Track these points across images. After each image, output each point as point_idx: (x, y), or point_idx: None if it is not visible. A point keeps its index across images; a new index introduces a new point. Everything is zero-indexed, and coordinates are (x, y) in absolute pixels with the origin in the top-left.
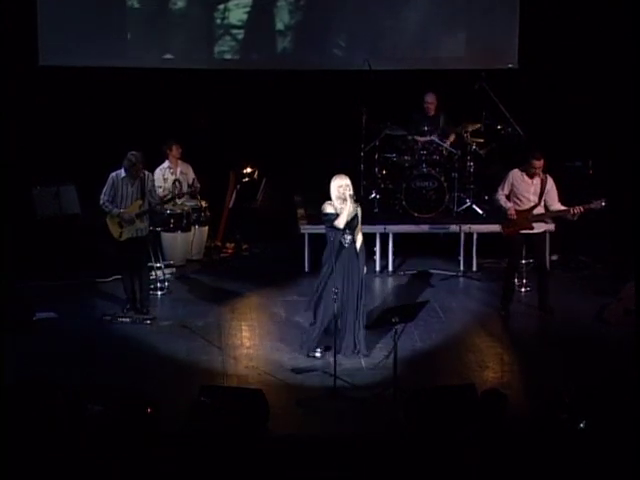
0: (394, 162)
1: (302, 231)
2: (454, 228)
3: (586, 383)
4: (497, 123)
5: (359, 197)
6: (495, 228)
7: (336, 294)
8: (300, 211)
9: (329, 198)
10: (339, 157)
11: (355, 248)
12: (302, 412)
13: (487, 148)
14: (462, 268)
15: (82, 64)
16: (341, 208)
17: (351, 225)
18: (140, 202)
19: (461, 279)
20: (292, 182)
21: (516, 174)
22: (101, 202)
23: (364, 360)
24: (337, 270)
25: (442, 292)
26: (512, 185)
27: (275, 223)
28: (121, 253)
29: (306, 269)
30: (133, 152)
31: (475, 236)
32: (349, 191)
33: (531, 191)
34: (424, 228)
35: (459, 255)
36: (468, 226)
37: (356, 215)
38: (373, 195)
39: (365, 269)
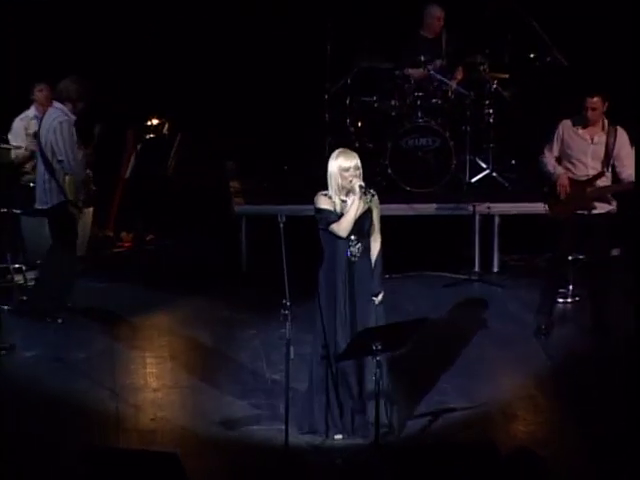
0: (375, 109)
1: (237, 212)
2: (465, 209)
3: None
4: (529, 50)
5: (371, 185)
6: (527, 207)
7: (325, 353)
8: (234, 184)
9: (322, 184)
10: (292, 103)
11: (368, 264)
12: None
13: (514, 88)
14: (477, 268)
15: None
16: (344, 204)
17: (361, 229)
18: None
19: (476, 285)
20: (222, 141)
21: (566, 126)
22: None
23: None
24: (339, 300)
25: (447, 304)
26: (562, 142)
27: (196, 201)
28: None
29: (243, 268)
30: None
31: (497, 220)
32: (358, 178)
33: (589, 152)
34: (420, 209)
35: (473, 249)
36: (486, 205)
37: (368, 213)
38: None
39: (382, 294)
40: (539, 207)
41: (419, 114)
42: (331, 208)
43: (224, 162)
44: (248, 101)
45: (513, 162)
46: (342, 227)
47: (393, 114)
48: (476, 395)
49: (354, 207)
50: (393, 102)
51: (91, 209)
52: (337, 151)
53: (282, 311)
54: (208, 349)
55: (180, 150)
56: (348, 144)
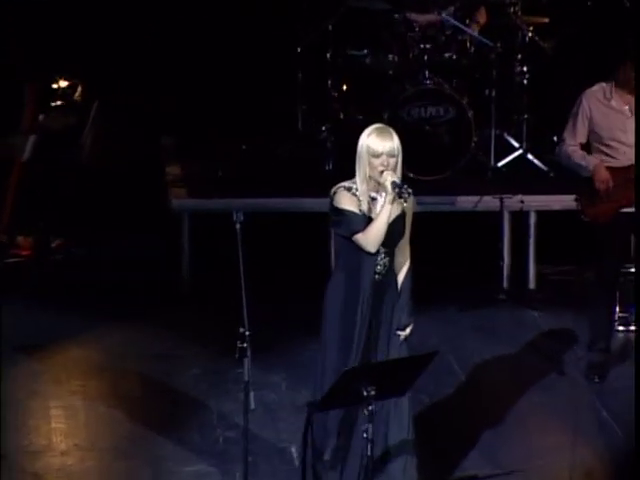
0: (366, 67)
1: (176, 207)
2: (490, 203)
3: None
4: None
5: (407, 182)
6: (573, 202)
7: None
8: (172, 168)
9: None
10: (252, 57)
11: (394, 285)
12: None
13: (556, 37)
14: (506, 284)
15: None
16: (373, 204)
17: (390, 239)
18: None
19: (504, 308)
20: (156, 110)
21: (593, 98)
22: None
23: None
24: (356, 333)
25: (465, 335)
26: (590, 120)
27: (120, 193)
28: None
29: (185, 284)
30: None
31: (533, 219)
32: (393, 171)
33: (629, 128)
34: (428, 203)
35: (500, 259)
36: (518, 198)
37: (401, 219)
38: (323, 134)
39: (410, 327)
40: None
41: (426, 74)
42: (356, 210)
43: (159, 139)
44: (191, 54)
45: (555, 139)
46: (371, 239)
47: (391, 73)
48: (505, 459)
49: (385, 213)
50: (391, 57)
51: None
52: (372, 127)
53: (238, 343)
54: (138, 396)
55: (98, 123)
56: (329, 114)
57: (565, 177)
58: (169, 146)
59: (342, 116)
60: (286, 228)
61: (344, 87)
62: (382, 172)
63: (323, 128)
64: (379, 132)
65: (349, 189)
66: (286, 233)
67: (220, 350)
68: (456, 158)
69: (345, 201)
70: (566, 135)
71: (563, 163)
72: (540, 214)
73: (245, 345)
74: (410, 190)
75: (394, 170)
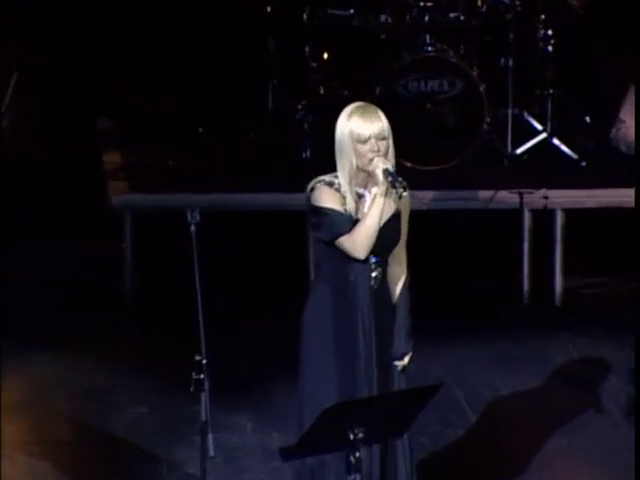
0: (352, 29)
1: (116, 204)
2: (507, 199)
3: None
4: None
5: (399, 174)
6: (611, 197)
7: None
8: (112, 156)
9: (322, 164)
10: (211, 19)
11: (388, 301)
12: None
13: None
14: (526, 300)
15: None
16: (360, 204)
17: (384, 243)
18: None
19: (524, 329)
20: (91, 84)
21: None
22: None
23: None
24: (358, 361)
25: (476, 362)
26: None
27: (46, 185)
28: None
29: (127, 300)
30: None
31: (559, 219)
32: (385, 157)
33: None
34: (430, 200)
35: (519, 268)
36: (542, 192)
37: (395, 220)
38: (299, 113)
39: (409, 356)
40: (630, 195)
41: (427, 39)
42: (339, 208)
43: (95, 119)
44: (133, 14)
45: (587, 119)
46: (359, 241)
47: (383, 38)
48: None
49: (377, 208)
50: (383, 18)
51: None
52: (351, 107)
53: (194, 374)
54: (68, 442)
55: (19, 99)
56: (306, 89)
57: (601, 167)
58: (107, 129)
59: (322, 91)
60: (252, 230)
61: (325, 55)
62: (372, 160)
63: (299, 107)
64: (363, 111)
65: (330, 184)
66: (252, 237)
67: (171, 382)
68: (464, 143)
69: (326, 198)
70: (624, 114)
71: (622, 150)
72: (569, 213)
73: (202, 376)
74: (405, 184)
75: (386, 156)
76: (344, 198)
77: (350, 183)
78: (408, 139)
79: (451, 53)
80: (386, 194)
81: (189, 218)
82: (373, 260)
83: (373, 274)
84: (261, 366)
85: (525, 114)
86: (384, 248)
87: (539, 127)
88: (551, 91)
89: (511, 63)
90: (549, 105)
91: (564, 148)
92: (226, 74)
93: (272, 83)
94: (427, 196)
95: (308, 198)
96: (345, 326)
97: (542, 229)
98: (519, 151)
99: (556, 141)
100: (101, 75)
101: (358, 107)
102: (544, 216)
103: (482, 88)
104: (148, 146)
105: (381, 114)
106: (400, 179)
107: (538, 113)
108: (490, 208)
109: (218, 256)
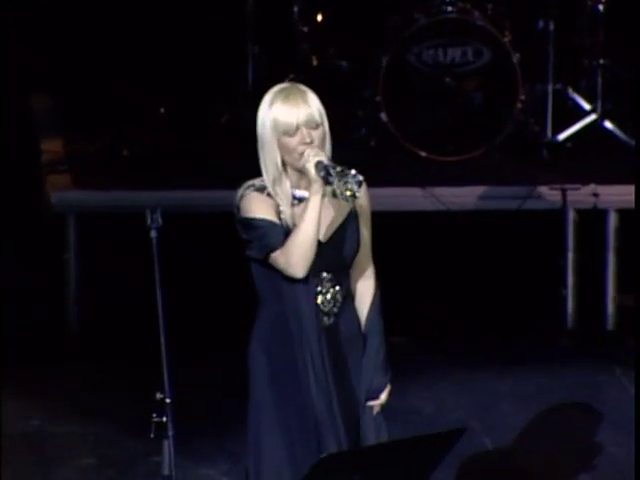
0: None
1: (57, 204)
2: (546, 196)
3: None
4: None
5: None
6: None
7: None
8: (51, 144)
9: (245, 169)
10: None
11: (356, 329)
12: None
13: None
14: (571, 322)
15: None
16: (295, 209)
17: (337, 256)
18: None
19: (568, 358)
20: (28, 55)
21: None
22: None
23: None
24: (321, 410)
25: (508, 400)
26: None
27: None
28: None
29: (72, 324)
30: None
31: (612, 221)
32: (319, 148)
33: None
34: (450, 198)
35: (563, 282)
36: (590, 188)
37: (350, 222)
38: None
39: (386, 392)
40: None
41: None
42: (272, 217)
43: (29, 96)
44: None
45: None
46: (293, 255)
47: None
48: None
49: (312, 211)
50: None
51: None
52: (273, 92)
53: (154, 417)
54: None
55: None
56: (295, 60)
57: None
58: (45, 110)
59: (315, 62)
60: (224, 235)
61: (318, 17)
62: (302, 153)
63: (286, 81)
64: (286, 95)
65: (261, 189)
66: (223, 242)
67: (126, 427)
68: (493, 127)
69: (256, 207)
70: None
71: None
72: (623, 214)
73: (165, 419)
74: (360, 178)
75: (321, 146)
76: (276, 205)
77: (278, 185)
78: (423, 123)
79: (476, 14)
80: (323, 192)
81: (149, 221)
82: (324, 276)
83: (328, 296)
84: (238, 404)
85: (569, 91)
86: (339, 261)
87: (587, 107)
88: (601, 61)
89: (552, 27)
90: (599, 80)
91: (618, 133)
92: (196, 41)
93: (252, 52)
94: (446, 193)
95: (237, 209)
96: (287, 370)
97: (591, 234)
98: (562, 137)
99: (608, 124)
100: (35, 39)
101: (281, 90)
102: (593, 218)
103: (515, 58)
104: (96, 131)
105: (311, 95)
106: (352, 172)
107: (585, 89)
108: (525, 208)
109: (183, 267)
